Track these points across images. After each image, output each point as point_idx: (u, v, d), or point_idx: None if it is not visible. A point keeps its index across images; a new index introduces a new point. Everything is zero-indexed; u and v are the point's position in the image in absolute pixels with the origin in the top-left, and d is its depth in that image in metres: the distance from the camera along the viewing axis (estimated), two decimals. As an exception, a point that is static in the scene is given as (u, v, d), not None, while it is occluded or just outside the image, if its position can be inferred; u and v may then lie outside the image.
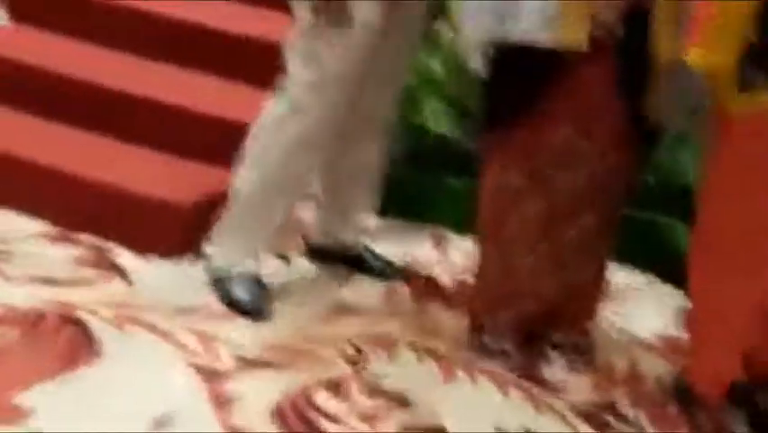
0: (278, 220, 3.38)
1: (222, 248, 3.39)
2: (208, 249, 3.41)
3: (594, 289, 3.33)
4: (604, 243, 3.26)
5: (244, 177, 3.35)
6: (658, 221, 3.85)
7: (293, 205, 3.43)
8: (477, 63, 3.16)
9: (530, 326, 3.30)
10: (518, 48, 3.03)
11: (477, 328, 3.34)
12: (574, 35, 2.97)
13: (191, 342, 3.11)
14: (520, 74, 3.08)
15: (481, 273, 3.32)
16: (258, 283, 3.38)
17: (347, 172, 3.53)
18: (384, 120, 3.52)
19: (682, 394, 3.17)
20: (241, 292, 3.34)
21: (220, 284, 3.36)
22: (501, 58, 3.10)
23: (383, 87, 3.41)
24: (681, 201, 3.91)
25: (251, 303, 3.32)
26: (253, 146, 3.33)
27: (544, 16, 2.95)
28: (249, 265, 3.38)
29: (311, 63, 3.19)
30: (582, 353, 3.34)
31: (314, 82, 3.20)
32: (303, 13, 3.19)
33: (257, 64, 3.93)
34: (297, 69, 3.23)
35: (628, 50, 3.02)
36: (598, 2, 2.97)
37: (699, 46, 2.90)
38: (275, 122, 3.28)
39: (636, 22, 2.99)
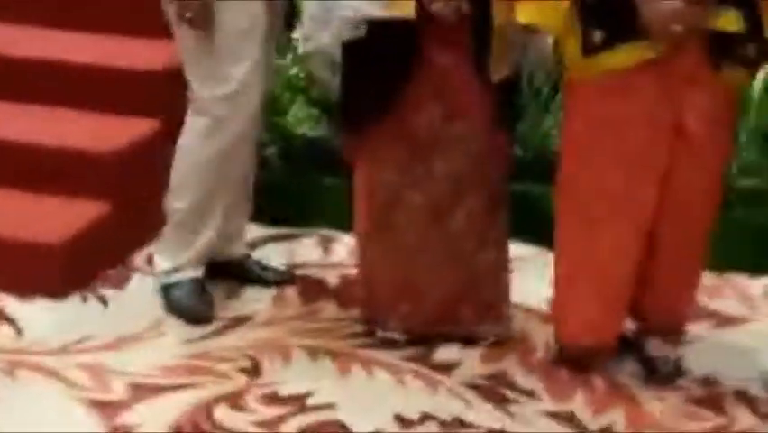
0: (214, 230, 3.43)
1: (164, 257, 3.48)
2: (154, 258, 3.52)
3: (500, 270, 3.35)
4: (495, 222, 3.29)
5: (176, 196, 3.41)
6: (534, 191, 3.91)
7: (228, 212, 3.46)
8: (324, 72, 3.21)
9: (439, 319, 3.32)
10: (369, 43, 3.07)
11: (371, 324, 3.37)
12: (402, 6, 3.01)
13: (82, 378, 3.10)
14: (374, 70, 3.12)
15: (372, 272, 3.34)
16: (200, 289, 3.46)
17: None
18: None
19: (563, 353, 3.26)
20: (182, 299, 3.42)
21: (164, 292, 3.46)
22: (353, 57, 3.13)
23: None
24: (555, 169, 4.00)
25: (192, 309, 3.41)
26: (179, 166, 3.39)
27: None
28: (190, 273, 3.46)
29: (215, 77, 3.25)
30: (505, 339, 3.37)
31: (227, 94, 3.25)
32: (182, 30, 3.26)
33: (107, 92, 3.93)
34: (203, 86, 3.28)
35: (479, 24, 3.07)
36: None
37: (524, 2, 2.97)
38: (198, 139, 3.33)
39: None
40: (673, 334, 3.27)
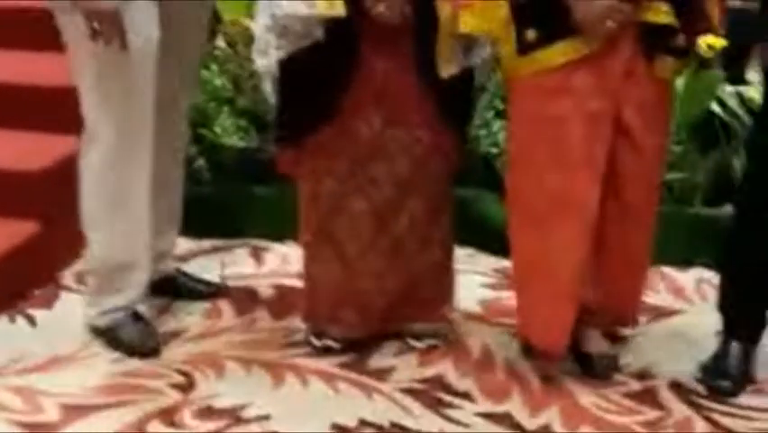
0: (139, 255, 3.32)
1: (96, 301, 3.35)
2: (86, 306, 3.39)
3: (443, 271, 3.34)
4: (439, 224, 3.28)
5: (91, 241, 3.30)
6: (464, 194, 3.91)
7: (146, 234, 3.33)
8: (269, 87, 3.16)
9: (382, 321, 3.30)
10: (306, 49, 3.03)
11: (313, 333, 3.34)
12: (331, 4, 2.97)
13: (12, 399, 3.05)
14: (311, 77, 3.07)
15: (318, 279, 3.30)
16: (141, 322, 3.35)
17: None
18: (179, 138, 3.49)
19: (527, 353, 3.26)
20: (127, 336, 3.30)
21: (105, 335, 3.33)
22: (289, 64, 3.08)
23: (173, 105, 3.35)
24: (484, 171, 4.01)
25: (140, 344, 3.30)
26: (84, 197, 3.27)
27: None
28: (126, 308, 3.34)
29: (103, 97, 3.14)
30: (443, 337, 3.37)
31: (111, 114, 3.15)
32: (77, 44, 3.12)
33: (31, 110, 3.90)
34: (93, 109, 3.17)
35: (421, 27, 3.04)
36: None
37: (465, 11, 2.98)
38: (94, 168, 3.22)
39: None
40: (622, 329, 3.29)
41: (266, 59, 3.12)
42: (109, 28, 3.00)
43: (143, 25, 3.08)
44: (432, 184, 3.22)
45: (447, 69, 3.08)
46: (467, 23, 2.98)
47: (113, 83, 3.12)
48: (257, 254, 3.94)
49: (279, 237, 3.94)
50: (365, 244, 3.22)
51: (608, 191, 3.04)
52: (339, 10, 2.98)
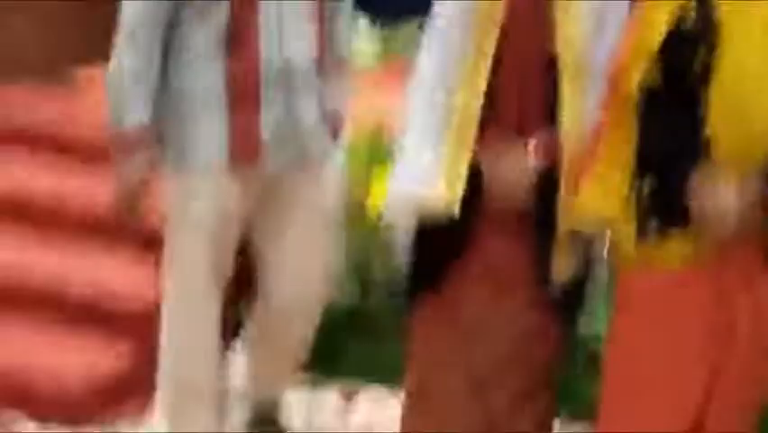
0: (211, 392, 3.34)
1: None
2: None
3: None
4: (539, 404, 3.20)
5: (163, 368, 3.35)
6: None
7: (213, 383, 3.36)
8: (402, 244, 3.17)
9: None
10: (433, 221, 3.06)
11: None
12: (449, 198, 3.00)
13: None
14: (424, 246, 3.10)
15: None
16: None
17: (274, 352, 3.52)
18: (312, 298, 3.51)
19: None
20: None
21: None
22: (419, 230, 3.12)
23: (285, 271, 3.40)
24: (582, 354, 3.95)
25: None
26: (162, 332, 3.34)
27: (420, 174, 3.02)
28: None
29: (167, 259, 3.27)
30: None
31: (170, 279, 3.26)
32: None
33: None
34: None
35: (539, 214, 3.04)
36: (501, 176, 2.99)
37: (585, 196, 2.96)
38: (170, 303, 3.30)
39: (545, 185, 3.01)
40: None
41: (397, 221, 3.18)
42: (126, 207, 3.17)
43: (199, 195, 3.19)
44: (533, 365, 3.16)
45: (562, 274, 3.06)
46: (585, 205, 2.95)
47: (170, 246, 3.26)
48: (348, 398, 3.93)
49: (373, 382, 3.93)
50: (459, 417, 3.15)
51: (714, 389, 2.93)
52: (454, 206, 2.99)
